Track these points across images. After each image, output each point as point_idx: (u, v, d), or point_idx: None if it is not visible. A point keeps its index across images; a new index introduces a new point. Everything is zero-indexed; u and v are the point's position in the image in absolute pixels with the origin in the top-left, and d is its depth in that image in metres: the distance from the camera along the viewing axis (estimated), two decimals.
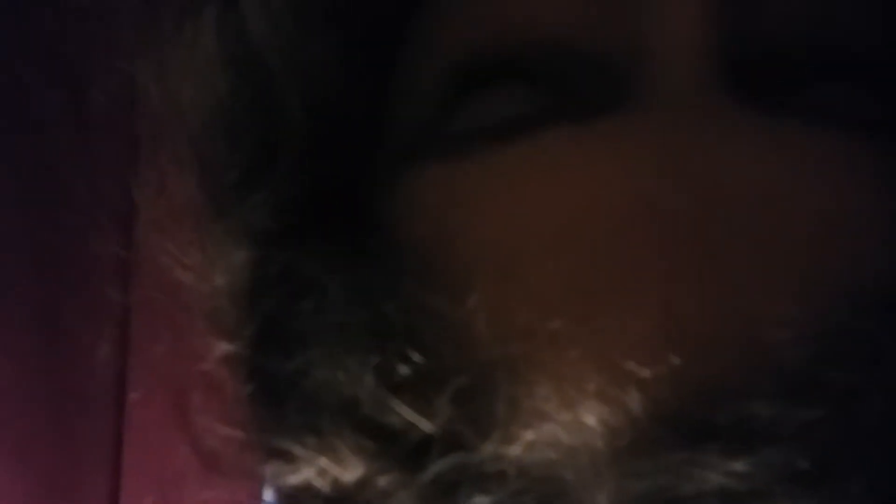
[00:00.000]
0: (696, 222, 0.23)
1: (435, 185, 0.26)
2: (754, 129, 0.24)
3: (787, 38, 0.26)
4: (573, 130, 0.25)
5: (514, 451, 0.22)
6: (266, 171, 0.28)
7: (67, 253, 0.84)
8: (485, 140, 0.26)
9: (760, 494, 0.20)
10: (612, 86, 0.26)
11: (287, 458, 0.24)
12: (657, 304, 0.23)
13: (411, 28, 0.29)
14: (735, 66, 0.25)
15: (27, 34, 0.80)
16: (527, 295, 0.24)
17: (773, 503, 0.20)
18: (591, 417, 0.21)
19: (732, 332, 0.22)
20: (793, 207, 0.24)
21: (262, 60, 0.28)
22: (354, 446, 0.23)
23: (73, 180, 0.83)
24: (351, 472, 0.23)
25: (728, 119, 0.25)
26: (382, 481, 0.23)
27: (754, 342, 0.22)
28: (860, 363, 0.22)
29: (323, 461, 0.24)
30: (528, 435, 0.22)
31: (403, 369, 0.23)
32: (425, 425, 0.22)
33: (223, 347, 0.27)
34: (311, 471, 0.24)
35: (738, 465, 0.20)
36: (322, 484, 0.24)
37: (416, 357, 0.23)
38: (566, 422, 0.22)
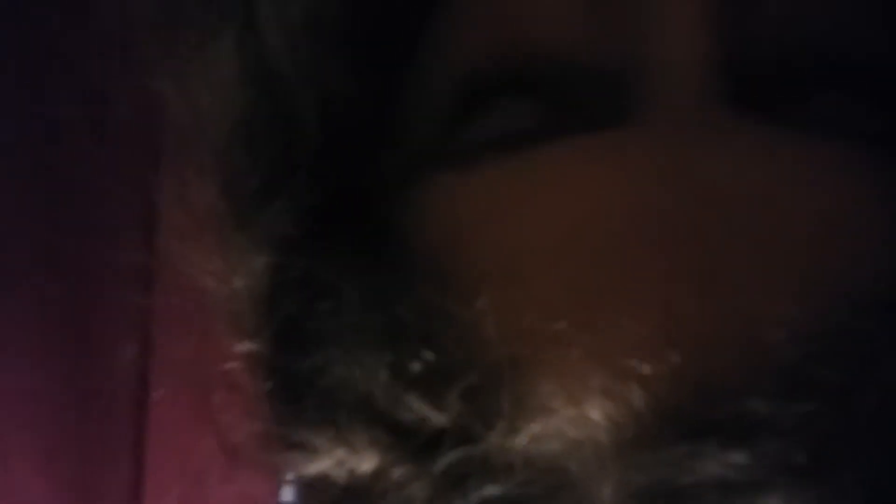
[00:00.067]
0: (696, 228, 0.24)
1: (445, 195, 0.27)
2: (754, 139, 0.25)
3: (787, 53, 0.26)
4: (577, 143, 0.26)
5: (521, 443, 0.22)
6: (285, 180, 0.28)
7: (91, 260, 0.84)
8: (492, 152, 0.26)
9: (757, 486, 0.21)
10: (615, 100, 0.26)
11: (306, 449, 0.25)
12: (658, 305, 0.23)
13: (422, 44, 0.30)
14: (736, 79, 0.25)
15: (50, 47, 0.81)
16: (533, 298, 0.24)
17: (769, 494, 0.21)
18: (595, 412, 0.22)
19: (731, 332, 0.23)
20: (791, 213, 0.24)
21: (279, 76, 0.29)
22: (369, 439, 0.24)
23: (95, 190, 0.83)
24: (366, 463, 0.24)
25: (728, 130, 0.25)
26: (396, 473, 0.24)
27: (752, 341, 0.22)
28: (855, 360, 0.22)
29: (340, 453, 0.24)
30: (535, 429, 0.22)
31: (416, 367, 0.24)
32: (437, 419, 0.23)
33: (244, 347, 0.28)
34: (329, 462, 0.24)
35: (736, 458, 0.21)
36: (339, 474, 0.24)
37: (428, 355, 0.24)
38: (571, 416, 0.22)
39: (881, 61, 0.27)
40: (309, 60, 0.29)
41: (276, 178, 0.29)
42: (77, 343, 0.86)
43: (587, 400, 0.22)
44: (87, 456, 0.86)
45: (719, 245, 0.23)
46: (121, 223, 0.72)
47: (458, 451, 0.23)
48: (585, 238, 0.24)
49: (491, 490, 0.22)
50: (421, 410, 0.23)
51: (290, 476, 0.28)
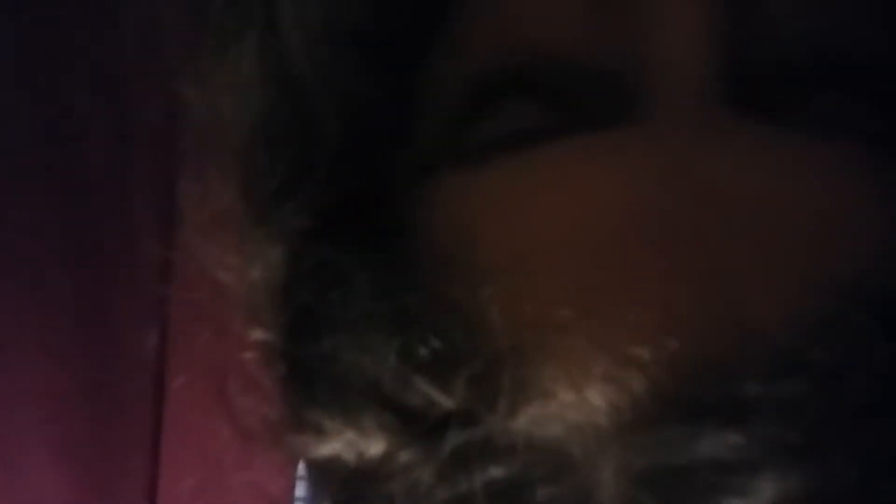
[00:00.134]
0: (695, 224, 0.24)
1: (454, 191, 0.28)
2: (754, 138, 0.25)
3: (787, 53, 0.26)
4: (580, 142, 0.26)
5: (524, 427, 0.23)
6: (302, 178, 0.29)
7: (110, 256, 0.85)
8: (499, 150, 0.27)
9: (752, 466, 0.21)
10: (617, 100, 0.26)
11: (317, 431, 0.25)
12: (657, 294, 0.23)
13: (434, 46, 0.31)
14: (736, 79, 0.26)
15: (75, 47, 0.82)
16: (537, 289, 0.25)
17: (763, 474, 0.21)
18: (595, 397, 0.22)
19: (727, 319, 0.23)
20: (789, 210, 0.24)
21: (299, 78, 0.29)
22: (378, 422, 0.24)
23: (113, 187, 0.84)
24: (375, 446, 0.24)
25: (728, 129, 0.25)
26: (404, 456, 0.24)
27: (747, 328, 0.23)
28: (847, 345, 0.22)
29: (350, 435, 0.25)
30: (537, 413, 0.23)
31: (423, 353, 0.24)
32: (443, 403, 0.24)
33: (259, 336, 0.28)
34: (340, 443, 0.25)
35: (732, 439, 0.21)
36: (349, 456, 0.25)
37: (435, 342, 0.24)
38: (572, 401, 0.22)
39: (881, 61, 0.27)
40: (328, 63, 0.30)
41: (295, 177, 0.29)
42: (96, 338, 0.86)
43: (588, 385, 0.22)
44: (103, 449, 0.86)
45: (718, 239, 0.24)
46: (138, 221, 0.73)
47: (462, 434, 0.23)
48: (587, 233, 0.25)
49: (495, 472, 0.23)
50: (427, 395, 0.24)
51: (302, 472, 0.28)
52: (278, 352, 0.28)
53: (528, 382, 0.23)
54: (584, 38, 0.27)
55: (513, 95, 0.28)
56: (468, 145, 0.28)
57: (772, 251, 0.24)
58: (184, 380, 0.79)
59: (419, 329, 0.25)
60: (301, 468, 0.30)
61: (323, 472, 0.27)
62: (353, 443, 0.25)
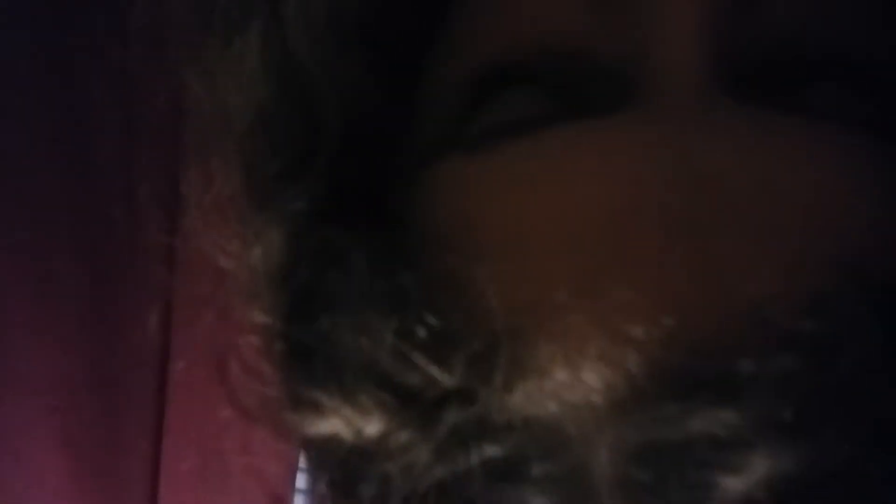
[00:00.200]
0: (691, 204, 0.24)
1: (454, 175, 0.28)
2: (750, 123, 0.25)
3: (783, 44, 0.27)
4: (579, 127, 0.26)
5: (520, 406, 0.23)
6: (304, 165, 0.29)
7: (115, 247, 0.85)
8: (500, 137, 0.27)
9: (745, 442, 0.21)
10: (617, 90, 0.27)
11: (315, 409, 0.25)
12: (653, 274, 0.24)
13: (437, 37, 0.31)
14: (734, 69, 0.26)
15: (83, 38, 0.82)
16: (534, 269, 0.25)
17: (757, 450, 0.21)
18: (591, 376, 0.22)
19: (721, 298, 0.23)
20: (784, 191, 0.24)
21: (302, 70, 0.30)
22: (376, 400, 0.24)
23: (121, 179, 0.85)
24: (373, 425, 0.24)
25: (725, 116, 0.25)
26: (402, 436, 0.24)
27: (741, 306, 0.23)
28: (840, 324, 0.22)
29: (347, 412, 0.25)
30: (533, 392, 0.23)
31: (420, 332, 0.24)
32: (440, 382, 0.24)
33: (259, 317, 0.28)
34: (338, 421, 0.25)
35: (725, 416, 0.21)
36: (347, 434, 0.25)
37: (432, 321, 0.24)
38: (568, 379, 0.23)
39: (876, 52, 0.27)
40: (330, 53, 0.30)
41: (296, 163, 0.29)
42: (100, 329, 0.86)
43: (584, 364, 0.22)
44: (106, 440, 0.86)
45: (713, 221, 0.24)
46: (141, 212, 0.73)
47: (459, 413, 0.23)
48: (584, 214, 0.25)
49: (491, 451, 0.23)
50: (425, 374, 0.24)
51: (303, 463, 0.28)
52: (278, 330, 0.29)
53: (524, 361, 0.23)
54: (585, 30, 0.27)
55: (514, 86, 0.28)
56: (471, 132, 0.28)
57: (766, 232, 0.24)
58: (184, 366, 0.79)
59: (417, 308, 0.25)
60: (302, 460, 0.30)
61: (321, 453, 0.27)
62: (350, 421, 0.25)
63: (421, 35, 0.31)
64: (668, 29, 0.26)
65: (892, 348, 0.22)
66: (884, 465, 0.22)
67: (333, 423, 0.25)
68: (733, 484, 0.21)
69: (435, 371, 0.24)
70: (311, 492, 0.30)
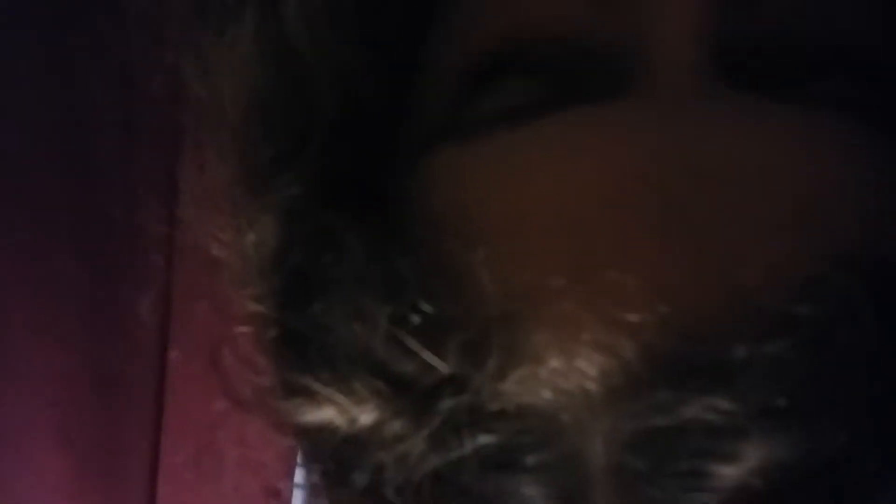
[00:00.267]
0: (686, 190, 0.24)
1: (450, 163, 0.28)
2: (746, 110, 0.25)
3: (781, 31, 0.26)
4: (575, 114, 0.26)
5: (514, 394, 0.22)
6: (299, 152, 0.29)
7: (114, 244, 0.85)
8: (496, 124, 0.27)
9: (739, 429, 0.21)
10: (615, 77, 0.26)
11: (309, 395, 0.25)
12: (647, 261, 0.23)
13: (433, 27, 0.31)
14: (731, 56, 0.26)
15: (80, 29, 0.82)
16: (529, 255, 0.24)
17: (750, 436, 0.21)
18: (585, 363, 0.22)
19: (716, 285, 0.23)
20: (779, 177, 0.24)
21: (297, 55, 0.29)
22: (370, 388, 0.24)
23: (117, 177, 0.84)
24: (367, 413, 0.24)
25: (721, 104, 0.25)
26: (396, 425, 0.24)
27: (735, 292, 0.23)
28: (834, 308, 0.22)
29: (341, 399, 0.24)
30: (527, 379, 0.22)
31: (414, 318, 0.24)
32: (434, 370, 0.23)
33: (253, 304, 0.28)
34: (331, 409, 0.25)
35: (719, 402, 0.21)
36: (341, 423, 0.24)
37: (426, 308, 0.24)
38: (562, 367, 0.22)
39: (876, 42, 0.27)
40: (326, 40, 0.30)
41: (291, 149, 0.29)
42: (100, 324, 0.86)
43: (578, 351, 0.22)
44: (106, 434, 0.86)
45: (707, 207, 0.24)
46: (138, 206, 0.72)
47: (453, 401, 0.23)
48: (579, 200, 0.25)
49: (485, 439, 0.23)
50: (419, 361, 0.24)
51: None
52: (272, 317, 0.28)
53: (518, 349, 0.23)
54: (581, 17, 0.27)
55: (512, 74, 0.28)
56: (467, 119, 0.28)
57: (761, 219, 0.24)
58: (181, 358, 0.79)
59: (412, 294, 0.25)
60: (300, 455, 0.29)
61: (315, 442, 0.27)
62: (344, 409, 0.25)
63: (417, 22, 0.31)
64: (666, 17, 0.26)
65: (885, 334, 0.22)
66: (878, 451, 0.21)
67: (327, 412, 0.25)
68: (728, 471, 0.21)
69: (429, 358, 0.23)
70: (305, 483, 0.30)
